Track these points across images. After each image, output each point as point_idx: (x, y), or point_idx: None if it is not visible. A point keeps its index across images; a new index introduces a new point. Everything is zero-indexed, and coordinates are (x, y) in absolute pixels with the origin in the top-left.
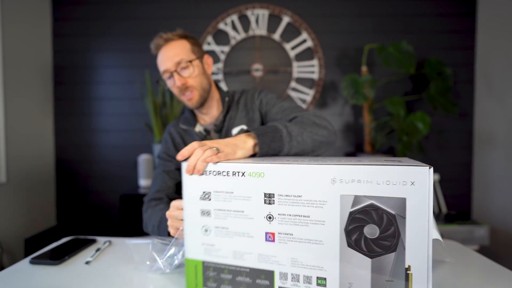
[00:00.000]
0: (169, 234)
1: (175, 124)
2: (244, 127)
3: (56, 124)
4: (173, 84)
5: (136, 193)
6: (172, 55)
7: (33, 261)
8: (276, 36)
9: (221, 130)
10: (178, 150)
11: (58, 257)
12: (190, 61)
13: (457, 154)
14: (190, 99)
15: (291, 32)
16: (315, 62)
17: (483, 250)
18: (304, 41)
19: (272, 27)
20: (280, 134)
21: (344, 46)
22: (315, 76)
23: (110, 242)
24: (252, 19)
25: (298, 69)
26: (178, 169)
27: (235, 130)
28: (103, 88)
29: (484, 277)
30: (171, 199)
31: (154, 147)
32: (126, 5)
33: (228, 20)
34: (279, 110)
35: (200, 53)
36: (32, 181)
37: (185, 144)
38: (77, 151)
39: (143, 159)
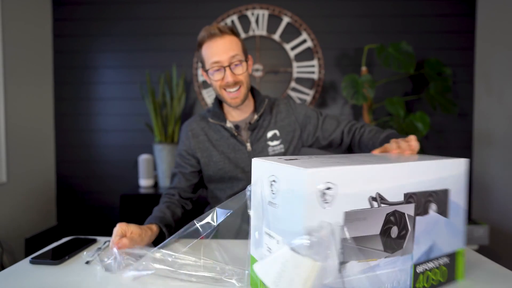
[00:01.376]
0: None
1: (197, 120)
2: (277, 132)
3: (56, 124)
4: (220, 78)
5: (136, 193)
6: (227, 48)
7: (34, 261)
8: (276, 36)
9: (255, 129)
10: (200, 147)
11: (58, 257)
12: (243, 60)
13: (456, 154)
14: (235, 97)
15: (291, 33)
16: (315, 62)
17: (483, 250)
18: (304, 41)
19: (272, 28)
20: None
21: (343, 46)
22: (315, 76)
23: (110, 242)
24: (252, 20)
25: (298, 69)
26: (193, 172)
27: (270, 133)
28: (103, 88)
29: (484, 277)
30: (182, 197)
31: (154, 147)
32: (126, 5)
33: (228, 20)
34: (336, 126)
35: (247, 53)
36: (33, 181)
37: (210, 141)
38: (78, 151)
39: (143, 159)
